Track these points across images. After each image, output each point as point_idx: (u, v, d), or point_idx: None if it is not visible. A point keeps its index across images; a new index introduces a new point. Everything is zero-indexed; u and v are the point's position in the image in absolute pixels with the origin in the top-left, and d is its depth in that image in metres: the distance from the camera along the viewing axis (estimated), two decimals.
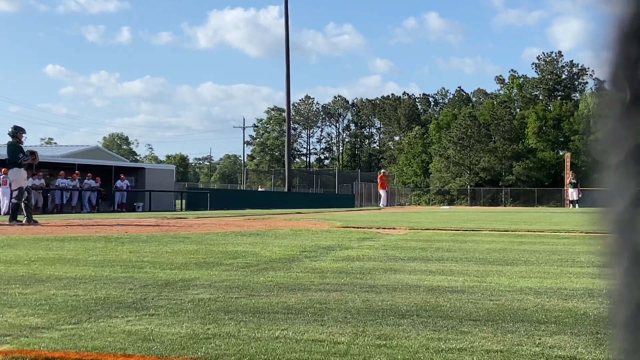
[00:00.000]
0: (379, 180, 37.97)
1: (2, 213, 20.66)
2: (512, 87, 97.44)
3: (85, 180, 31.99)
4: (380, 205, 36.15)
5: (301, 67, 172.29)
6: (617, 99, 0.47)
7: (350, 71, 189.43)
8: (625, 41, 0.47)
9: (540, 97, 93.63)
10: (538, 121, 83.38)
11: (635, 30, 0.47)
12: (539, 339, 3.10)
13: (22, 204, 14.85)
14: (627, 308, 0.45)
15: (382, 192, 37.48)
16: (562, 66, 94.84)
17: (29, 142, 17.25)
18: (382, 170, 40.29)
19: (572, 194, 44.36)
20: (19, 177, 14.94)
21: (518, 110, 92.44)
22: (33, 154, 15.61)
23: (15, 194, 14.97)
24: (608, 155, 0.47)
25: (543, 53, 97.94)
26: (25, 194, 14.89)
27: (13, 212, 14.80)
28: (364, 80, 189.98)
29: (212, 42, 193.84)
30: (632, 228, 0.45)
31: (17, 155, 14.92)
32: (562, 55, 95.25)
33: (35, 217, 15.47)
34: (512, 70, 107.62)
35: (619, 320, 0.46)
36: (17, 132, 15.36)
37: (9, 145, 15.20)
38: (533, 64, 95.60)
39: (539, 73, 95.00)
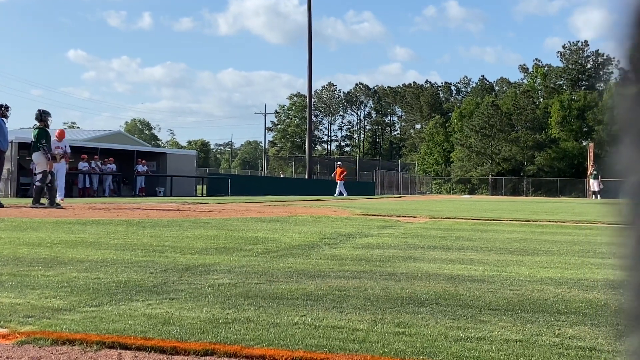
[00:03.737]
0: (337, 172, 38.14)
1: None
2: (535, 76, 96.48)
3: (108, 165, 32.24)
4: (338, 195, 36.16)
5: (321, 54, 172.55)
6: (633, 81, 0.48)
7: (370, 59, 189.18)
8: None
9: (564, 87, 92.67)
10: (562, 111, 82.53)
11: None
12: (559, 329, 3.09)
13: (46, 187, 14.99)
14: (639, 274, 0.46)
15: (341, 182, 37.61)
16: (587, 56, 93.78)
17: (54, 126, 17.23)
18: (339, 163, 40.65)
19: (593, 184, 44.12)
20: (43, 160, 15.07)
21: (541, 99, 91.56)
22: (54, 158, 15.82)
23: (38, 177, 15.11)
24: (624, 133, 0.48)
25: (569, 42, 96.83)
26: (49, 177, 15.03)
27: (36, 195, 14.94)
28: (384, 68, 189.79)
29: (232, 29, 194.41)
30: None
31: (41, 139, 15.04)
32: (588, 45, 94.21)
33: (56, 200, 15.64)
34: (536, 59, 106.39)
35: (632, 284, 0.46)
36: (43, 116, 15.50)
37: (36, 129, 15.34)
38: (558, 52, 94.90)
39: (564, 62, 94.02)
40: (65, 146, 19.46)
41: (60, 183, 18.81)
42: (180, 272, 4.74)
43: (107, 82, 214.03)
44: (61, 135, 19.44)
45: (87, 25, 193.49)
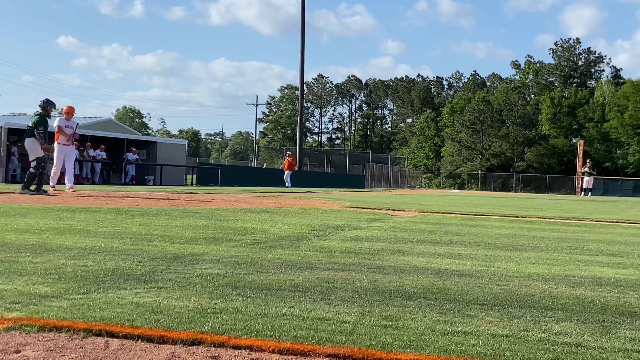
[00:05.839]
0: (287, 162, 38.00)
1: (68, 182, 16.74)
2: (527, 73, 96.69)
3: (97, 152, 32.10)
4: (290, 185, 36.06)
5: (313, 46, 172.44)
6: None
7: (362, 51, 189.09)
8: None
9: (556, 84, 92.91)
10: (552, 107, 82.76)
11: None
12: (546, 325, 3.10)
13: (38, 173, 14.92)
14: None
15: (288, 173, 37.47)
16: (578, 53, 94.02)
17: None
18: (289, 153, 40.75)
19: (587, 182, 44.07)
20: (36, 147, 15.00)
21: (532, 96, 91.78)
22: (49, 150, 15.69)
23: (33, 164, 15.02)
24: None
25: (561, 39, 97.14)
26: (42, 163, 14.97)
27: (28, 181, 14.86)
28: (375, 61, 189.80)
29: (224, 19, 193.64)
30: None
31: (38, 126, 14.98)
32: (580, 42, 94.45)
33: (45, 187, 15.57)
34: (528, 55, 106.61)
35: None
36: (47, 106, 15.51)
37: (37, 115, 15.28)
38: (550, 49, 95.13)
39: (556, 59, 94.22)
40: (76, 125, 16.68)
41: (70, 169, 16.77)
42: (168, 261, 4.74)
43: (98, 69, 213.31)
44: (70, 111, 16.73)
45: (78, 12, 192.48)
